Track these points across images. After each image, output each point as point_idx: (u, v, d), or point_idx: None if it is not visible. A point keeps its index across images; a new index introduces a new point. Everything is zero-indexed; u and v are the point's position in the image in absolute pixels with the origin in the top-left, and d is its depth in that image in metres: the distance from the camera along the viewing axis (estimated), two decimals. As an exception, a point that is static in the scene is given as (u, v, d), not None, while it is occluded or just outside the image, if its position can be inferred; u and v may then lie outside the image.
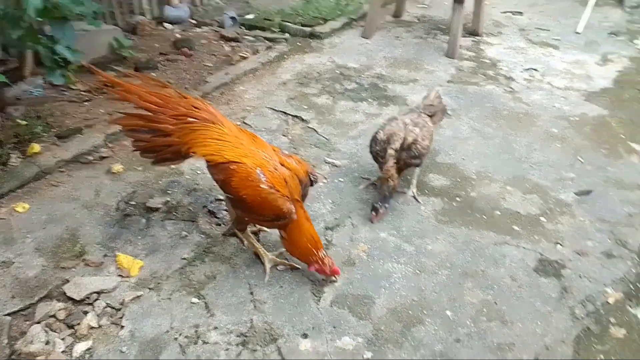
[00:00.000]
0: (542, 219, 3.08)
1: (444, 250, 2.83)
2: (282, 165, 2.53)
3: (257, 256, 2.73)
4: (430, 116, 3.36)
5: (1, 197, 3.08)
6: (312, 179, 2.66)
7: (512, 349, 2.29)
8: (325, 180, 3.36)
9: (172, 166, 3.30)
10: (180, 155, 2.58)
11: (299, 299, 2.52)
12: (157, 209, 3.06)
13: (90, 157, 3.49)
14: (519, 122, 4.17)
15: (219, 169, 2.51)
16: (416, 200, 3.20)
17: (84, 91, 4.30)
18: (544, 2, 7.15)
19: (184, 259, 2.73)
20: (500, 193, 3.31)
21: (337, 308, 2.47)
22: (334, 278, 2.60)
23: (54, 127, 3.78)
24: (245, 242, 2.78)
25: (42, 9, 2.72)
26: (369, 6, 5.75)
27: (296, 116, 4.15)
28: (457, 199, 3.24)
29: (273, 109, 4.24)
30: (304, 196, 2.62)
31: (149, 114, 2.60)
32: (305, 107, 4.29)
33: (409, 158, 3.09)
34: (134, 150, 2.71)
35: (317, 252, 2.50)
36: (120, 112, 2.68)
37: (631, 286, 2.62)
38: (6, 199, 3.08)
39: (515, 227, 3.01)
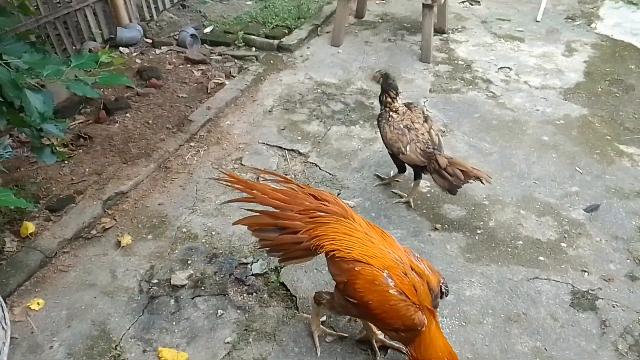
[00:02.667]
0: (562, 244, 3.18)
1: (482, 295, 2.88)
2: (412, 269, 2.27)
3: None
4: (438, 168, 3.19)
5: (10, 294, 2.87)
6: (444, 290, 2.35)
7: (575, 399, 2.39)
8: None
9: (301, 264, 2.97)
10: (310, 252, 2.40)
11: (357, 373, 2.51)
12: (182, 286, 2.93)
13: (93, 231, 3.28)
14: (510, 132, 4.25)
15: (342, 270, 2.31)
16: (409, 205, 3.49)
17: (57, 147, 4.00)
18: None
19: (228, 342, 2.64)
20: (516, 218, 3.38)
21: (398, 378, 2.49)
22: None
23: (42, 197, 3.52)
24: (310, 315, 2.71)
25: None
26: (337, 13, 5.60)
27: (293, 150, 4.05)
28: (478, 231, 3.29)
29: (267, 144, 4.11)
30: (434, 308, 2.29)
31: (276, 210, 2.47)
32: (299, 137, 4.19)
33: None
34: (260, 248, 2.67)
35: None
36: (249, 210, 2.58)
37: (662, 311, 2.78)
38: (16, 296, 2.87)
39: (542, 258, 3.10)
